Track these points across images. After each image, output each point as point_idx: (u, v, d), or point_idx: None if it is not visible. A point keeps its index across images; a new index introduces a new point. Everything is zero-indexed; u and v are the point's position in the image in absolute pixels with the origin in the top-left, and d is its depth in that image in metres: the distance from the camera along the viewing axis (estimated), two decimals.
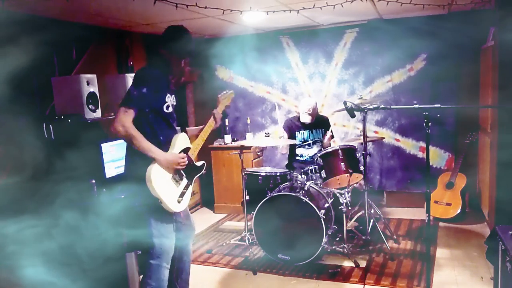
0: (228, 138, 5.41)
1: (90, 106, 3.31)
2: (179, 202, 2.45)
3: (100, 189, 3.16)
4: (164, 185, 2.37)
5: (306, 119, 4.23)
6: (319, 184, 3.80)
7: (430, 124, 2.41)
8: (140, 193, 2.35)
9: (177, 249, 2.62)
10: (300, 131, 4.34)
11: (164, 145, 2.43)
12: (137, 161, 2.36)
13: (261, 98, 5.60)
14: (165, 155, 2.37)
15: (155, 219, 2.43)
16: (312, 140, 4.33)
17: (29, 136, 3.07)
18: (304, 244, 3.46)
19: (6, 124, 2.92)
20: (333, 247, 3.66)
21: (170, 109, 2.51)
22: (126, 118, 2.27)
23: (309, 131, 4.34)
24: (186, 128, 2.75)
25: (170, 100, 2.51)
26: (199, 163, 2.66)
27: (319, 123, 4.38)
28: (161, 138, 2.45)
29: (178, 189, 2.48)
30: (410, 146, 5.03)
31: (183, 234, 2.67)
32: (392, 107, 3.04)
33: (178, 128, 2.63)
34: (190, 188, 2.58)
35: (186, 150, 2.55)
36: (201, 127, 2.76)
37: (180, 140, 2.53)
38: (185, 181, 2.54)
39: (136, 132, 2.29)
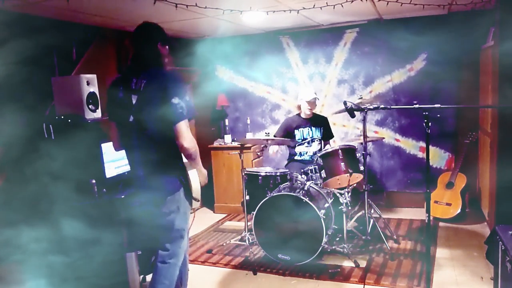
0: (228, 138, 5.42)
1: (90, 106, 3.30)
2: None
3: (100, 189, 3.16)
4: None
5: (311, 96, 4.21)
6: (319, 184, 3.80)
7: (430, 124, 2.42)
8: (169, 201, 2.41)
9: None
10: (299, 129, 4.34)
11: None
12: (171, 172, 2.40)
13: (261, 98, 5.60)
14: (205, 171, 2.57)
15: (183, 221, 2.50)
16: (311, 138, 4.33)
17: (29, 136, 3.07)
18: (304, 244, 3.46)
19: (6, 124, 2.91)
20: (333, 247, 3.66)
21: None
22: (190, 132, 2.30)
23: (308, 129, 4.34)
24: None
25: None
26: None
27: (318, 121, 4.38)
28: None
29: None
30: (410, 146, 5.03)
31: None
32: (392, 107, 3.03)
33: None
34: None
35: None
36: None
37: None
38: None
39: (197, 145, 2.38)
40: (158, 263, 2.50)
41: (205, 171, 2.55)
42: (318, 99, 4.32)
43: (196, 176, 2.49)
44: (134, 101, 2.34)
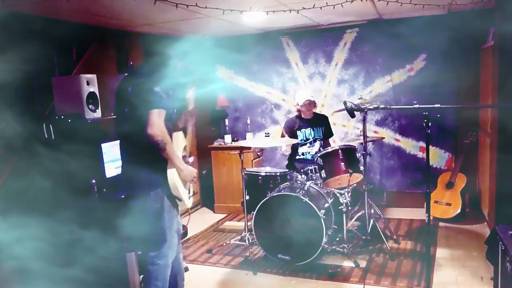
0: (228, 138, 5.42)
1: (90, 106, 3.31)
2: (189, 198, 2.65)
3: (100, 189, 3.16)
4: (181, 186, 2.54)
5: (303, 99, 4.21)
6: (319, 184, 3.80)
7: (430, 124, 2.42)
8: (153, 196, 2.41)
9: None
10: (301, 130, 4.34)
11: None
12: (153, 165, 2.40)
13: (261, 98, 5.60)
14: (188, 167, 2.48)
15: (168, 220, 2.48)
16: (313, 138, 4.33)
17: (29, 136, 3.07)
18: (304, 244, 3.46)
19: (6, 124, 2.91)
20: (333, 247, 3.66)
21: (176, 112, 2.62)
22: (162, 122, 2.30)
23: (310, 129, 4.34)
24: None
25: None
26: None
27: (319, 121, 4.38)
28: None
29: (186, 188, 2.64)
30: (410, 146, 5.03)
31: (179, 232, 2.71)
32: (392, 107, 3.04)
33: None
34: (191, 188, 2.73)
35: (184, 148, 2.69)
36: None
37: (180, 139, 2.65)
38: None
39: (169, 138, 2.34)
40: (148, 266, 2.50)
41: (186, 169, 2.46)
42: (311, 99, 4.27)
43: (174, 173, 2.46)
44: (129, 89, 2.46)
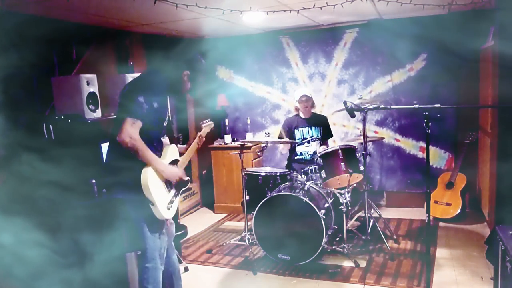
0: (228, 138, 5.42)
1: (90, 106, 3.31)
2: (168, 209, 2.48)
3: (100, 189, 3.16)
4: (157, 190, 2.40)
5: (299, 95, 4.24)
6: (319, 184, 3.80)
7: (430, 124, 2.42)
8: (131, 197, 2.38)
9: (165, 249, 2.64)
10: (299, 129, 4.35)
11: (156, 153, 2.47)
12: (129, 166, 2.35)
13: (261, 98, 5.60)
14: (169, 167, 2.46)
15: (147, 222, 2.44)
16: (310, 137, 4.33)
17: (29, 136, 3.07)
18: (304, 244, 3.46)
19: (5, 124, 2.91)
20: (333, 247, 3.66)
21: (166, 122, 2.59)
22: (133, 130, 2.27)
23: (308, 128, 4.34)
24: (177, 145, 2.80)
25: (169, 113, 2.59)
26: (185, 178, 2.68)
27: (318, 121, 4.38)
28: (156, 146, 2.50)
29: (168, 196, 2.50)
30: (410, 146, 5.03)
31: (168, 233, 2.68)
32: (392, 107, 3.04)
33: (166, 139, 2.67)
34: (178, 199, 2.61)
35: (174, 162, 2.61)
36: (186, 146, 2.85)
37: (171, 152, 2.60)
38: (173, 191, 2.57)
39: (142, 144, 2.30)
40: (138, 269, 2.50)
41: (166, 169, 2.44)
42: (308, 96, 4.28)
43: (150, 173, 2.36)
44: None
